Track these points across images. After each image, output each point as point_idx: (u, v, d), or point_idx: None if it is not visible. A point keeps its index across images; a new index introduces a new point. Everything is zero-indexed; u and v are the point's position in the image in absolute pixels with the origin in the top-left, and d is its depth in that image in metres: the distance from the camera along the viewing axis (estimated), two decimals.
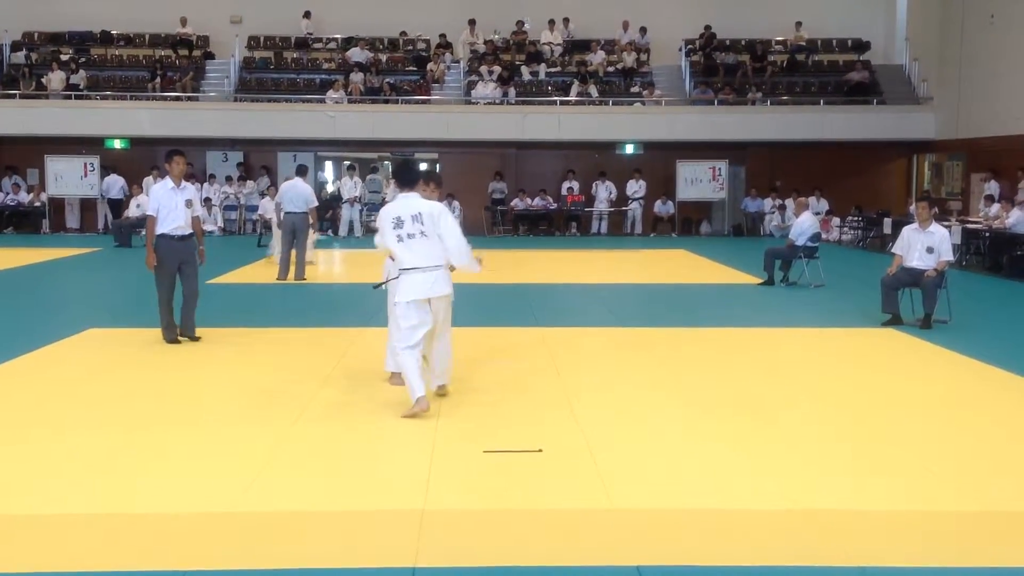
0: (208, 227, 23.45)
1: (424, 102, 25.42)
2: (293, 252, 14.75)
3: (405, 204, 6.95)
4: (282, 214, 14.78)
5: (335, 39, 27.25)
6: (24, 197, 24.70)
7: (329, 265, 18.10)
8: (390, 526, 4.80)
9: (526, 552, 4.53)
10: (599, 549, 4.58)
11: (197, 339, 9.71)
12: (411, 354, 6.83)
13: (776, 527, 4.83)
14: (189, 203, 9.64)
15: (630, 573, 4.27)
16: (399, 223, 6.87)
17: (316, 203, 15.18)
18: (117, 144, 25.09)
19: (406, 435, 6.45)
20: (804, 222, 14.79)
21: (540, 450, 6.08)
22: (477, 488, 5.40)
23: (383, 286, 7.72)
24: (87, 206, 25.16)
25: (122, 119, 24.51)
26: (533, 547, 4.60)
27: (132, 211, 21.48)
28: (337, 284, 14.83)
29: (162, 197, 9.51)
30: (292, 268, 14.77)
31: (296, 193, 14.66)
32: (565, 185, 25.17)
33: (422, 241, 6.86)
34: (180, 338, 9.68)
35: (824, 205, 23.97)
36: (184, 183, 9.76)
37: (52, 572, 4.26)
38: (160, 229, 9.48)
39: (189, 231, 9.68)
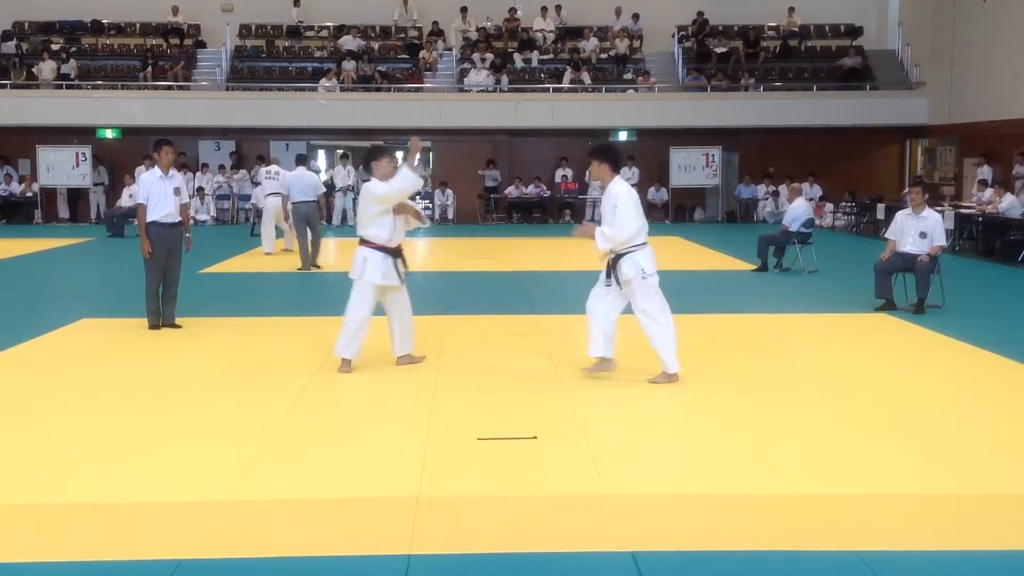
0: (201, 216, 23.41)
1: (417, 90, 25.36)
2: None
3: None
4: (289, 205, 14.84)
5: (327, 27, 27.17)
6: (16, 187, 24.61)
7: (324, 254, 18.01)
8: (385, 514, 4.80)
9: (521, 539, 4.53)
10: (594, 535, 4.58)
11: (177, 327, 9.76)
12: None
13: (772, 512, 4.83)
14: (177, 191, 9.75)
15: (625, 559, 4.27)
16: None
17: (324, 189, 15.34)
18: (109, 134, 24.99)
19: (400, 422, 6.45)
20: (797, 208, 14.79)
21: (534, 437, 6.08)
22: (472, 475, 5.40)
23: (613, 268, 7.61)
24: (79, 196, 25.05)
25: (114, 108, 24.40)
26: (528, 534, 4.60)
27: (124, 201, 21.42)
28: (331, 273, 14.79)
29: (151, 186, 9.63)
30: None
31: (306, 182, 14.82)
32: (559, 172, 25.14)
33: None
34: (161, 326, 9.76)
35: (817, 191, 23.99)
36: (172, 171, 9.83)
37: (46, 562, 4.25)
38: (150, 217, 9.57)
39: (178, 219, 9.77)
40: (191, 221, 10.16)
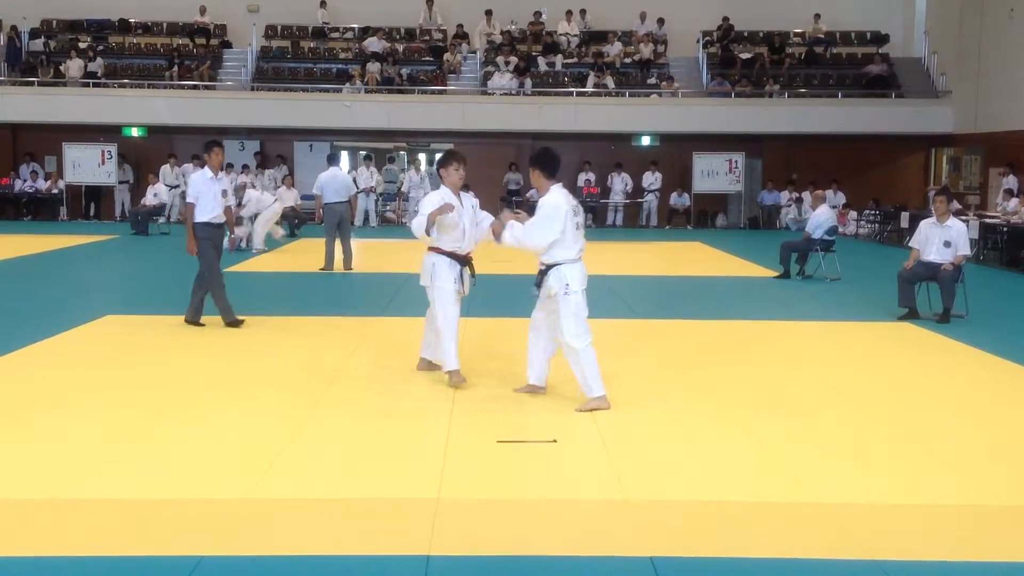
0: None
1: (440, 92, 25.42)
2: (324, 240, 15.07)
3: (567, 196, 6.91)
4: (323, 204, 14.90)
5: (352, 29, 27.28)
6: (42, 184, 24.82)
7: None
8: (405, 514, 4.82)
9: (539, 542, 4.54)
10: (612, 540, 4.59)
11: (201, 325, 9.85)
12: (593, 349, 6.82)
13: (791, 520, 4.82)
14: (225, 193, 9.84)
15: (643, 564, 4.27)
16: (576, 211, 6.88)
17: (356, 190, 15.42)
18: (134, 132, 25.18)
19: (421, 424, 6.47)
20: (821, 215, 14.74)
21: (554, 440, 6.09)
22: (491, 478, 5.42)
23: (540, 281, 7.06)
24: (104, 193, 25.24)
25: (139, 107, 24.60)
26: (546, 537, 4.61)
27: (148, 199, 21.58)
28: (354, 274, 14.86)
29: (201, 186, 9.69)
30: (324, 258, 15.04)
31: (340, 183, 14.90)
32: (581, 177, 25.11)
33: (580, 232, 6.93)
34: (195, 322, 9.87)
35: (841, 198, 23.86)
36: (220, 173, 9.91)
37: (69, 556, 4.29)
38: (199, 217, 9.63)
39: (224, 219, 9.89)
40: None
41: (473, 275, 7.55)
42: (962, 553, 4.47)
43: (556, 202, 6.81)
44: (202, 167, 10.36)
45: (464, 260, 7.43)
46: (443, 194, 7.36)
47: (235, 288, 12.83)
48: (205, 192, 9.64)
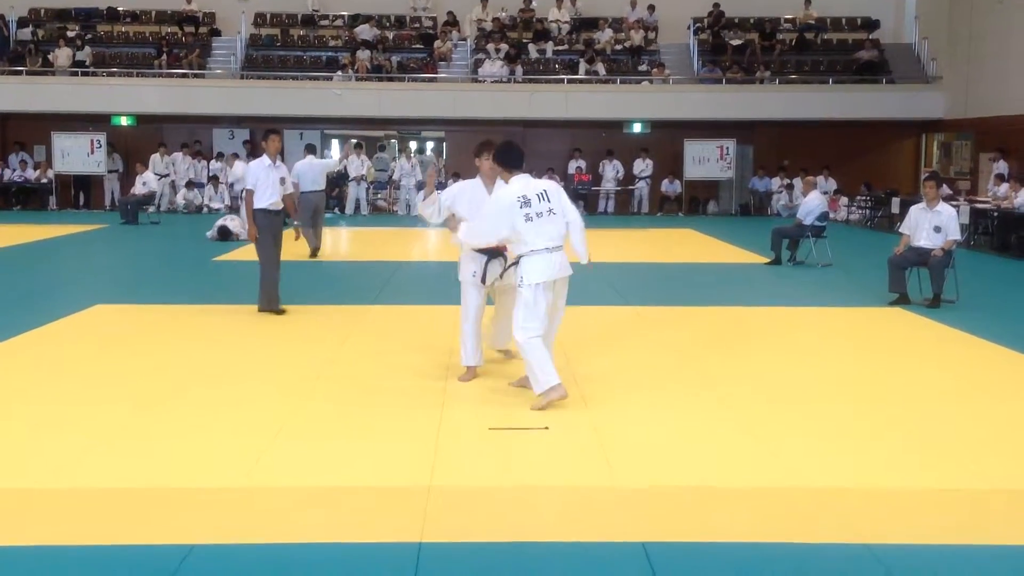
0: (215, 204, 23.46)
1: (431, 80, 25.35)
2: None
3: (525, 184, 6.64)
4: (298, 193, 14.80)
5: (342, 16, 27.18)
6: (31, 174, 24.72)
7: (337, 243, 18.09)
8: (397, 502, 4.81)
9: (531, 528, 4.54)
10: (605, 526, 4.59)
11: (283, 312, 9.90)
12: (539, 342, 6.51)
13: (783, 505, 4.83)
14: (283, 180, 9.90)
15: (636, 549, 4.28)
16: (526, 202, 6.50)
17: (336, 167, 15.53)
18: (123, 121, 25.06)
19: (413, 412, 6.45)
20: (812, 201, 14.75)
21: (546, 428, 6.09)
22: (483, 465, 5.42)
23: (506, 270, 7.04)
24: (93, 183, 25.14)
25: (128, 96, 24.47)
26: (538, 523, 4.61)
27: (137, 188, 21.48)
28: (345, 262, 14.84)
29: (259, 174, 9.76)
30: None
31: (316, 171, 14.82)
32: (572, 164, 25.10)
33: (550, 220, 6.56)
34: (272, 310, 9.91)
35: (832, 184, 23.90)
36: (278, 161, 9.95)
37: (59, 545, 4.28)
38: (258, 204, 9.70)
39: (282, 206, 9.94)
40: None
41: (505, 263, 7.27)
42: (954, 537, 4.48)
43: (501, 197, 6.61)
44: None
45: (491, 253, 7.22)
46: (464, 185, 7.36)
47: (224, 277, 12.85)
48: (263, 179, 9.71)
